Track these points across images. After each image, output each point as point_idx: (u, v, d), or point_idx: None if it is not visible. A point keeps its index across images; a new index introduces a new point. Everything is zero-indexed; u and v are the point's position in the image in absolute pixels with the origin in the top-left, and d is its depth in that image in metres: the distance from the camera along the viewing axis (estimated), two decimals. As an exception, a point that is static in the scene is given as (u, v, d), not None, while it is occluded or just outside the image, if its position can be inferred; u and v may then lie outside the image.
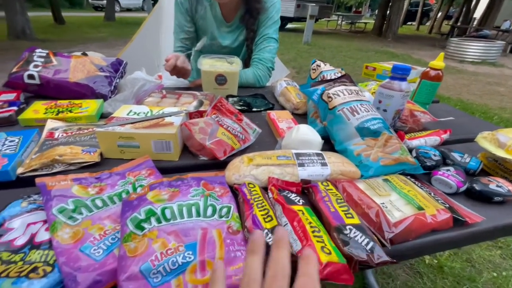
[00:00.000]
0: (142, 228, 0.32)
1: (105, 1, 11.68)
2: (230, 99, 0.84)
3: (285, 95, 0.81)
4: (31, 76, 0.75)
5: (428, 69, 0.77)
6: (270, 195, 0.43)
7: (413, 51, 6.68)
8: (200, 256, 0.31)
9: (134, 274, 0.29)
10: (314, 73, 0.71)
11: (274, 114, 0.70)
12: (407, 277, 1.14)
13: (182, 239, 0.32)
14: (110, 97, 0.78)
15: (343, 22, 11.87)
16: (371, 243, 0.35)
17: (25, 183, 0.47)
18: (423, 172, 0.52)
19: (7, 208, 0.37)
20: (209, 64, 0.85)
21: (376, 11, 13.38)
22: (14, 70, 0.76)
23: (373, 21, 11.40)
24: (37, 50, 0.79)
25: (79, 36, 6.89)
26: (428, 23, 14.16)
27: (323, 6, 9.44)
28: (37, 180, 0.39)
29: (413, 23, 15.18)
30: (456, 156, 0.56)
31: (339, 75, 0.68)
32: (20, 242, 0.33)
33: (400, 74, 0.60)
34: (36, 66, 0.76)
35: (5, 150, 0.50)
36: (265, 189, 0.45)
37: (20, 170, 0.47)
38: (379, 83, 0.89)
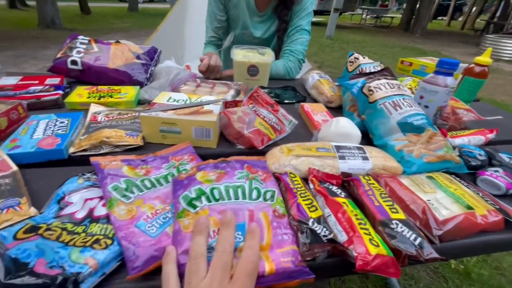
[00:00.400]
0: (194, 206, 0.33)
1: (129, -8, 11.93)
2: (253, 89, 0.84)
3: (318, 88, 0.80)
4: (74, 62, 0.78)
5: (473, 65, 0.73)
6: (311, 185, 0.43)
7: (443, 48, 6.34)
8: (250, 238, 0.32)
9: (189, 248, 0.30)
10: (352, 65, 0.70)
11: (308, 106, 0.69)
12: (431, 280, 1.11)
13: (232, 221, 0.33)
14: (146, 84, 0.80)
15: (368, 16, 11.43)
16: (419, 239, 0.34)
17: (76, 162, 0.50)
18: (467, 172, 0.50)
19: (65, 184, 0.39)
20: (242, 55, 0.85)
21: (404, 4, 12.75)
22: (58, 55, 0.80)
23: (400, 16, 10.89)
24: (80, 37, 0.83)
25: (104, 26, 7.11)
26: (460, 18, 13.30)
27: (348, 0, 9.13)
28: (92, 159, 0.41)
29: (444, 18, 14.33)
30: (504, 157, 0.54)
31: (379, 68, 0.65)
32: (80, 215, 0.35)
33: (446, 68, 0.57)
34: (78, 52, 0.80)
35: (57, 130, 0.53)
36: (304, 179, 0.45)
37: (71, 150, 0.50)
38: (416, 79, 0.86)
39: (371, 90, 0.56)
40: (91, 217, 0.34)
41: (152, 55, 0.86)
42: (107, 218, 0.34)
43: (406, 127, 0.51)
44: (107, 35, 5.95)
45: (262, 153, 0.51)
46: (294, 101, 0.79)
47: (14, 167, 0.43)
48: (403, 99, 0.54)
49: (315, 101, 0.82)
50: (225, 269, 0.28)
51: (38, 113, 0.61)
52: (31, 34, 5.57)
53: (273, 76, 0.98)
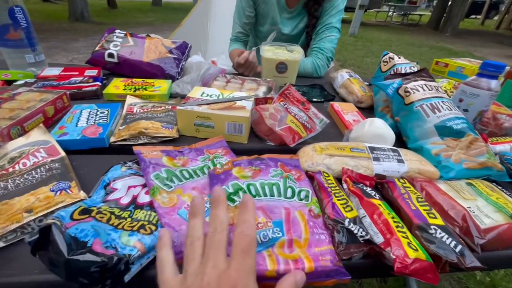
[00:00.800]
0: (233, 201, 0.34)
1: (154, -13, 12.19)
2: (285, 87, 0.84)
3: (347, 87, 0.79)
4: (110, 55, 0.82)
5: (517, 68, 0.69)
6: (345, 185, 0.43)
7: (475, 48, 5.98)
8: (288, 234, 0.32)
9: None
10: (386, 65, 0.68)
11: (338, 105, 0.69)
12: (454, 290, 1.07)
13: (269, 216, 0.34)
14: (177, 78, 0.82)
15: (395, 14, 10.98)
16: (460, 246, 0.33)
17: (115, 150, 0.53)
18: (509, 181, 0.48)
19: (110, 171, 0.41)
20: (271, 52, 0.85)
21: (434, 2, 12.12)
22: (96, 48, 0.84)
23: (430, 13, 10.38)
24: (117, 31, 0.86)
25: (129, 20, 7.33)
26: (496, 17, 12.44)
27: (374, -4, 8.81)
28: (134, 148, 0.43)
29: (478, 16, 13.47)
30: (550, 167, 0.51)
31: (415, 69, 0.63)
32: (125, 201, 0.37)
33: (491, 71, 0.54)
34: (115, 45, 0.83)
35: (99, 120, 0.56)
36: (337, 179, 0.45)
37: (112, 139, 0.52)
38: (451, 81, 0.82)
39: (408, 92, 0.54)
40: (135, 204, 0.36)
41: (184, 50, 0.88)
42: (150, 206, 0.36)
43: (444, 131, 0.50)
44: (132, 28, 6.11)
45: (292, 150, 0.51)
46: (322, 99, 0.79)
47: (62, 153, 0.47)
48: (442, 101, 0.52)
49: (343, 100, 0.81)
50: (218, 249, 0.26)
51: (79, 102, 0.65)
52: (62, 26, 5.85)
53: (301, 73, 0.98)
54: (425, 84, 0.55)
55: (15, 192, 0.38)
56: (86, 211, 0.33)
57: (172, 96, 0.76)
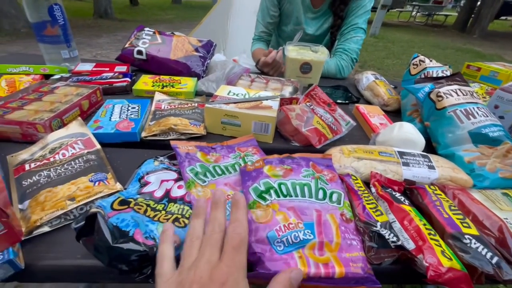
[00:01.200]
0: (265, 199, 0.35)
1: (175, -15, 12.42)
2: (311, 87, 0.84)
3: (373, 89, 0.77)
4: (139, 52, 0.85)
5: (559, 74, 0.65)
6: (373, 190, 0.42)
7: (505, 52, 5.67)
8: (319, 237, 0.32)
9: (262, 238, 0.31)
10: (415, 68, 0.66)
11: (363, 108, 0.68)
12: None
13: (300, 217, 0.34)
14: (202, 76, 0.84)
15: (418, 14, 10.59)
16: (496, 258, 0.32)
17: (146, 145, 0.55)
18: (547, 193, 0.45)
19: (143, 164, 0.43)
20: (296, 52, 0.85)
21: (462, 1, 11.59)
22: (126, 46, 0.87)
23: (456, 14, 9.93)
24: (146, 29, 0.89)
25: (149, 17, 7.50)
26: (529, 19, 11.72)
27: (398, -5, 8.54)
28: (172, 142, 0.44)
29: (509, 17, 12.75)
30: None
31: (448, 72, 0.61)
32: (158, 194, 0.38)
33: (532, 77, 0.52)
34: (144, 43, 0.86)
35: (130, 115, 0.58)
36: (365, 183, 0.45)
37: (143, 134, 0.54)
38: (484, 86, 0.79)
39: (441, 96, 0.53)
40: (168, 197, 0.38)
41: (209, 48, 0.89)
42: (183, 200, 0.38)
43: (479, 138, 0.48)
44: (152, 26, 6.22)
45: (317, 152, 0.51)
46: (346, 101, 0.78)
47: (98, 145, 0.49)
48: (477, 107, 0.51)
49: (368, 102, 0.80)
50: (214, 246, 0.27)
51: (110, 97, 0.68)
52: (87, 23, 6.08)
53: (324, 74, 0.97)
54: (459, 89, 0.53)
55: (57, 181, 0.40)
56: (124, 202, 0.35)
57: (197, 93, 0.77)
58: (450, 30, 8.51)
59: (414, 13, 10.53)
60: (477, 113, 0.50)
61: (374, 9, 6.98)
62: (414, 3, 10.50)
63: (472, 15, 8.19)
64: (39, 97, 0.57)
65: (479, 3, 8.02)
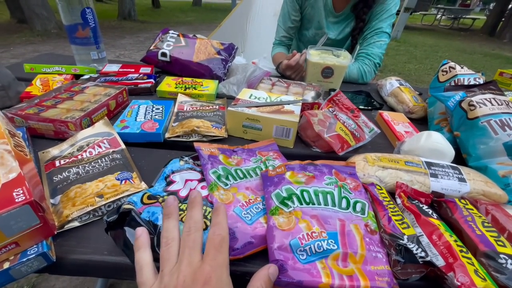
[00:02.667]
0: (287, 206, 0.35)
1: (195, -12, 12.72)
2: (333, 93, 0.82)
3: (397, 96, 0.75)
4: (163, 54, 0.87)
5: None
6: (399, 201, 0.41)
7: (538, 58, 5.35)
8: (343, 248, 0.32)
9: (284, 246, 0.31)
10: (445, 75, 0.63)
11: (387, 115, 0.66)
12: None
13: (323, 226, 0.33)
14: (224, 79, 0.85)
15: (444, 17, 10.20)
16: (535, 282, 0.30)
17: (169, 145, 0.56)
18: None
19: (170, 163, 0.44)
20: (318, 56, 0.84)
21: (491, 5, 11.04)
22: (151, 48, 0.90)
23: (484, 17, 9.47)
24: (170, 32, 0.91)
25: (170, 19, 7.71)
26: None
27: (422, -3, 8.27)
28: (195, 144, 0.45)
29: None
30: None
31: (481, 80, 0.58)
32: (183, 193, 0.39)
33: None
34: (168, 45, 0.88)
35: (155, 116, 0.59)
36: (390, 193, 0.43)
37: (167, 135, 0.55)
38: (519, 95, 0.75)
39: (473, 105, 0.50)
40: (192, 198, 0.38)
41: (230, 51, 0.90)
42: (206, 200, 0.38)
43: (515, 151, 0.45)
44: (173, 27, 6.38)
45: (339, 159, 0.50)
46: (369, 107, 0.76)
47: (123, 145, 0.50)
48: (514, 118, 0.48)
49: (392, 109, 0.77)
50: (193, 248, 0.27)
51: (135, 98, 0.70)
52: (111, 24, 6.33)
53: (345, 79, 0.95)
54: (493, 98, 0.50)
55: (86, 178, 0.42)
56: (152, 197, 0.35)
57: (218, 96, 0.78)
58: (477, 34, 8.12)
59: (438, 16, 10.15)
60: (514, 124, 0.47)
61: (397, 12, 6.77)
62: (439, 6, 10.13)
63: (503, 19, 7.78)
64: (70, 96, 0.60)
65: (510, 6, 7.60)
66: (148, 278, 0.27)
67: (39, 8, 4.60)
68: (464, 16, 9.81)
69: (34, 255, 0.29)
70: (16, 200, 0.27)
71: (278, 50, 1.10)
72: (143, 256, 0.28)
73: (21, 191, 0.28)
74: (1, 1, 5.69)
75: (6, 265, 0.28)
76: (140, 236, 0.29)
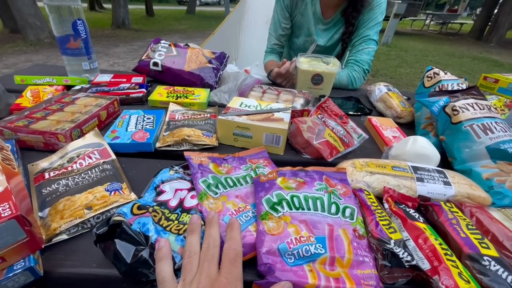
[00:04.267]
0: (277, 211, 0.35)
1: (188, -4, 12.88)
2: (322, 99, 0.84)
3: (386, 101, 0.77)
4: (155, 64, 0.88)
5: None
6: (386, 205, 0.42)
7: (525, 60, 5.49)
8: (331, 252, 0.32)
9: (272, 250, 0.32)
10: (430, 81, 0.65)
11: (376, 120, 0.67)
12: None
13: (312, 230, 0.34)
14: (215, 87, 0.86)
15: (432, 22, 10.46)
16: (518, 282, 0.31)
17: (160, 155, 0.56)
18: None
19: (159, 173, 0.44)
20: (307, 63, 0.86)
21: (478, 10, 11.37)
22: (143, 58, 0.90)
23: (472, 22, 9.74)
24: (162, 41, 0.92)
25: (164, 27, 7.76)
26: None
27: (411, 4, 8.48)
28: (185, 153, 0.45)
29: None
30: None
31: (464, 86, 0.60)
32: (173, 203, 0.39)
33: (553, 91, 0.50)
34: (160, 55, 0.89)
35: (146, 125, 0.60)
36: (377, 198, 0.44)
37: (158, 144, 0.56)
38: (502, 98, 0.77)
39: (456, 110, 0.52)
40: (182, 207, 0.38)
41: (222, 60, 0.91)
42: (196, 210, 0.38)
43: (497, 153, 0.47)
44: (167, 35, 6.49)
45: (329, 165, 0.51)
46: (359, 113, 0.77)
47: (113, 155, 0.50)
48: (495, 122, 0.49)
49: (380, 114, 0.79)
50: (211, 261, 0.30)
51: (126, 107, 0.71)
52: (105, 33, 6.35)
53: (335, 85, 0.97)
54: (475, 103, 0.52)
55: (75, 190, 0.42)
56: (142, 207, 0.36)
57: (209, 104, 0.79)
58: (465, 38, 8.34)
59: (427, 21, 10.41)
60: (495, 128, 0.48)
61: (386, 17, 6.93)
62: (427, 11, 10.40)
63: (489, 23, 8.01)
64: (61, 108, 0.60)
65: (496, 11, 7.85)
66: (169, 286, 0.28)
67: (32, 18, 4.60)
68: (452, 21, 10.08)
69: (20, 270, 0.29)
70: (2, 215, 0.27)
71: (270, 58, 1.12)
72: (165, 267, 0.29)
73: (7, 206, 0.28)
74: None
75: (-9, 281, 0.28)
76: (163, 248, 0.31)
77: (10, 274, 0.29)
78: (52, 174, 0.45)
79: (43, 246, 0.32)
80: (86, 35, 0.82)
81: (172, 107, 0.71)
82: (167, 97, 0.76)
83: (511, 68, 4.74)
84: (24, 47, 4.37)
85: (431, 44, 6.98)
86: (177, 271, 0.31)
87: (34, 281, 0.31)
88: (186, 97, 0.76)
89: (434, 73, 0.65)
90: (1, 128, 0.50)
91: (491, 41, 7.36)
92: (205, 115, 0.68)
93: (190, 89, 0.81)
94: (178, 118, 0.66)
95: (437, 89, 0.62)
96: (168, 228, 0.35)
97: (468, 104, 0.52)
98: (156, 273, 0.29)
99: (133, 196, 0.42)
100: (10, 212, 0.28)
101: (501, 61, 5.25)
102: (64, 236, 0.36)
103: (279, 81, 0.93)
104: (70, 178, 0.44)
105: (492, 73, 0.90)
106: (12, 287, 0.29)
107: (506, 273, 0.32)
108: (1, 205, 0.28)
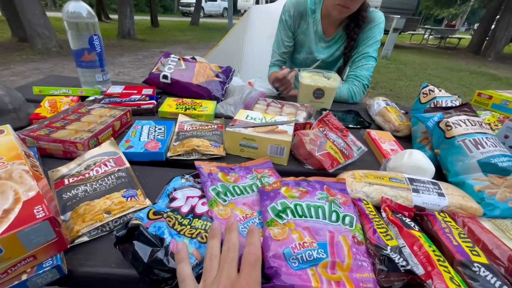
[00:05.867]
0: (282, 218, 0.38)
1: (192, 8, 13.22)
2: (324, 113, 0.88)
3: (384, 115, 0.81)
4: (165, 76, 0.92)
5: None
6: (384, 214, 0.45)
7: (522, 75, 5.59)
8: (332, 256, 0.35)
9: (278, 254, 0.34)
10: (425, 97, 0.69)
11: (375, 133, 0.71)
12: None
13: (314, 237, 0.37)
14: (221, 100, 0.90)
15: (431, 37, 10.68)
16: (505, 287, 0.34)
17: (170, 164, 0.59)
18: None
19: (172, 181, 0.47)
20: (309, 78, 0.90)
21: (475, 25, 11.61)
22: (153, 71, 0.95)
23: (470, 37, 9.94)
24: (172, 56, 0.97)
25: (169, 38, 7.93)
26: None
27: (410, 19, 8.68)
28: (196, 163, 0.49)
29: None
30: None
31: (457, 103, 0.64)
32: (185, 209, 0.42)
33: (539, 110, 0.54)
34: (169, 68, 0.93)
35: (157, 136, 0.63)
36: (375, 207, 0.47)
37: (169, 154, 0.59)
38: (495, 114, 0.81)
39: (449, 126, 0.55)
40: (193, 213, 0.41)
41: (228, 74, 0.96)
42: (206, 216, 0.41)
43: (488, 167, 0.50)
44: (171, 46, 6.64)
45: (330, 176, 0.54)
46: (358, 126, 0.81)
47: (127, 164, 0.54)
48: (486, 138, 0.53)
49: (379, 128, 0.82)
50: (231, 264, 0.31)
51: (138, 118, 0.74)
52: (111, 43, 6.49)
53: (336, 99, 1.01)
54: (467, 119, 0.56)
55: (93, 195, 0.45)
56: (157, 213, 0.39)
57: (216, 116, 0.83)
58: (464, 52, 8.50)
59: (426, 35, 10.62)
60: (486, 143, 0.52)
61: (386, 31, 7.13)
62: (426, 26, 10.63)
63: (487, 38, 8.19)
64: (78, 118, 0.64)
65: (493, 26, 8.04)
66: (190, 286, 0.30)
67: (41, 28, 4.73)
68: (450, 36, 10.30)
69: (49, 268, 0.32)
70: (37, 217, 0.30)
71: (273, 70, 1.17)
72: (185, 268, 0.32)
73: (41, 208, 0.31)
74: (3, 20, 5.83)
75: (24, 277, 0.31)
76: (181, 250, 0.33)
77: (40, 271, 0.31)
78: (71, 180, 0.49)
79: (68, 246, 0.35)
80: (101, 48, 0.87)
81: (181, 118, 0.75)
82: (176, 108, 0.80)
83: (509, 82, 4.82)
84: (32, 56, 4.48)
85: (430, 58, 7.12)
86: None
87: (58, 279, 0.34)
88: (194, 109, 0.80)
89: (430, 90, 0.69)
90: (24, 137, 0.54)
91: (489, 55, 7.50)
92: (212, 126, 0.71)
93: (198, 101, 0.85)
94: (186, 128, 0.69)
95: (432, 105, 0.66)
96: (182, 232, 0.38)
97: (460, 120, 0.56)
98: (178, 273, 0.31)
99: (147, 202, 0.45)
100: (43, 214, 0.31)
101: (498, 76, 5.35)
102: (85, 238, 0.39)
103: (276, 85, 0.98)
104: (88, 184, 0.47)
105: (490, 87, 0.94)
106: (40, 283, 0.32)
107: (494, 279, 0.34)
108: (36, 207, 0.31)
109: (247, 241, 0.34)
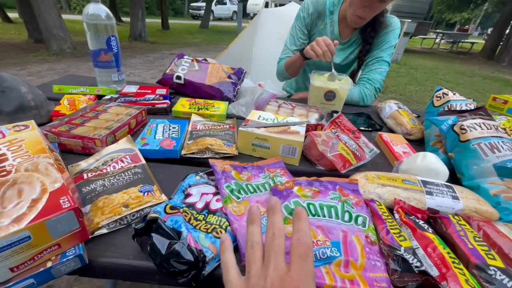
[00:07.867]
0: (295, 216, 0.39)
1: (202, 11, 13.41)
2: (335, 115, 0.88)
3: (396, 118, 0.80)
4: (178, 77, 0.94)
5: None
6: (397, 216, 0.45)
7: (538, 81, 5.44)
8: (345, 255, 0.35)
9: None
10: (439, 101, 0.69)
11: (387, 136, 0.70)
12: None
13: (327, 235, 0.37)
14: (233, 101, 0.91)
15: (443, 41, 10.52)
16: (522, 292, 0.33)
17: (184, 161, 0.60)
18: None
19: (187, 178, 0.48)
20: (321, 80, 0.91)
21: (489, 29, 11.39)
22: (167, 71, 0.97)
23: (483, 41, 9.75)
24: (185, 57, 0.99)
25: (179, 40, 8.05)
26: None
27: (421, 23, 8.58)
28: (210, 161, 0.50)
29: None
30: None
31: (472, 106, 0.63)
32: (200, 205, 0.43)
33: (558, 114, 0.53)
34: (183, 69, 0.95)
35: (172, 134, 0.65)
36: (388, 209, 0.47)
37: (183, 152, 0.60)
38: (511, 119, 0.79)
39: (464, 129, 0.55)
40: (208, 209, 0.42)
41: (240, 75, 0.97)
42: (221, 211, 0.42)
43: (504, 171, 0.49)
44: (181, 48, 6.74)
45: (341, 177, 0.54)
46: (370, 129, 0.81)
47: (143, 160, 0.55)
48: (502, 141, 0.52)
49: (390, 131, 0.82)
50: (278, 253, 0.28)
51: (152, 117, 0.76)
52: (122, 45, 6.61)
53: (347, 101, 1.01)
54: (483, 123, 0.55)
55: (111, 190, 0.46)
56: (174, 208, 0.40)
57: (228, 116, 0.84)
58: (476, 57, 8.34)
59: (438, 40, 10.47)
60: (502, 147, 0.51)
61: (396, 36, 7.05)
62: (437, 30, 10.48)
63: (501, 43, 8.01)
64: (96, 116, 0.66)
65: (508, 31, 7.86)
66: (234, 277, 0.29)
67: (56, 30, 4.88)
68: (462, 40, 10.12)
69: (72, 256, 0.33)
70: (63, 206, 0.32)
71: (285, 60, 1.15)
72: (229, 257, 0.31)
73: (66, 199, 0.33)
74: (20, 22, 6.03)
75: (49, 264, 0.32)
76: (225, 240, 0.32)
77: (64, 260, 0.33)
78: (90, 175, 0.50)
79: (90, 237, 0.36)
80: (117, 49, 0.90)
81: (194, 117, 0.76)
82: (189, 108, 0.81)
83: (524, 89, 4.70)
84: (47, 57, 4.62)
85: (441, 63, 7.01)
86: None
87: (80, 268, 0.35)
88: (207, 109, 0.81)
89: (443, 93, 0.69)
90: (46, 132, 0.56)
91: (503, 60, 7.34)
92: (224, 126, 0.73)
93: (210, 101, 0.86)
94: (199, 128, 0.71)
95: (446, 108, 0.65)
96: (197, 227, 0.38)
97: (475, 123, 0.55)
98: (222, 262, 0.31)
99: (163, 197, 0.46)
100: (69, 204, 0.32)
101: (513, 81, 5.22)
102: (104, 230, 0.40)
103: (315, 46, 0.89)
104: (106, 179, 0.49)
105: (504, 92, 0.93)
106: (64, 271, 0.33)
107: (511, 283, 0.34)
108: (61, 198, 0.33)
109: (294, 227, 0.29)
